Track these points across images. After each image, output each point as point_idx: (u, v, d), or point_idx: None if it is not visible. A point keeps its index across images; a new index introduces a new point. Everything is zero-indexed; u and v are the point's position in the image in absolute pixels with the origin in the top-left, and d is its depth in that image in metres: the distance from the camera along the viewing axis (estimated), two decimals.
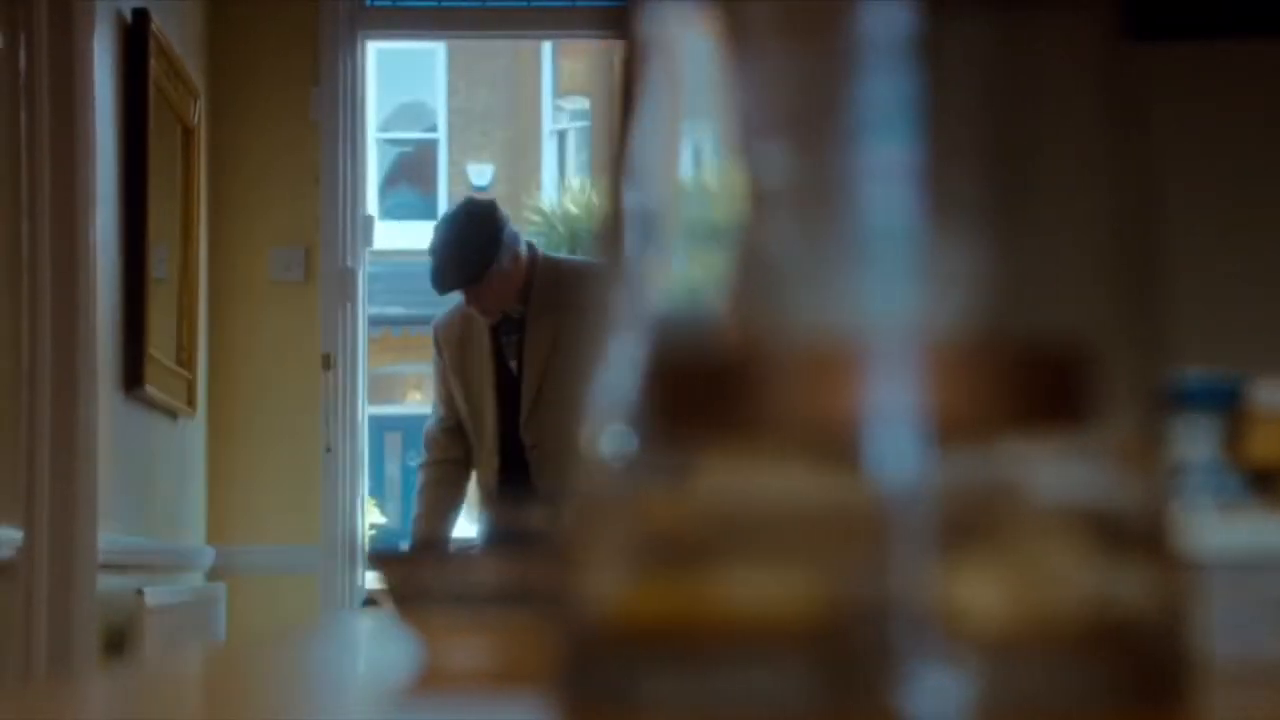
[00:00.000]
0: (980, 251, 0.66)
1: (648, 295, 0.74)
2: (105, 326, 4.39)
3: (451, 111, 20.13)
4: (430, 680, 1.03)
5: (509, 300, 4.75)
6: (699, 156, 0.74)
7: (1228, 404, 1.23)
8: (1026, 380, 0.67)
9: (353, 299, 6.04)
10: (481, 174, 20.04)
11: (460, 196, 20.11)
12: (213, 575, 5.82)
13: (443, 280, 4.76)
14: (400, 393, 19.29)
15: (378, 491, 15.94)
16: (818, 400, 0.68)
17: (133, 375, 4.77)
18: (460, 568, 1.02)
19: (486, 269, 4.66)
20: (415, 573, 1.03)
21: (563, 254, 5.37)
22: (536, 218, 18.29)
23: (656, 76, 0.76)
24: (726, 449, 0.71)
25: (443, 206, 19.95)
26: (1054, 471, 0.69)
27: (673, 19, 0.76)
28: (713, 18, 0.74)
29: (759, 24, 0.71)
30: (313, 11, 5.98)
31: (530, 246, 4.89)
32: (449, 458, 5.02)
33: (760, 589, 0.72)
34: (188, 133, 5.48)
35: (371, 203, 6.42)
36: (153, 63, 4.90)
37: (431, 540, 4.86)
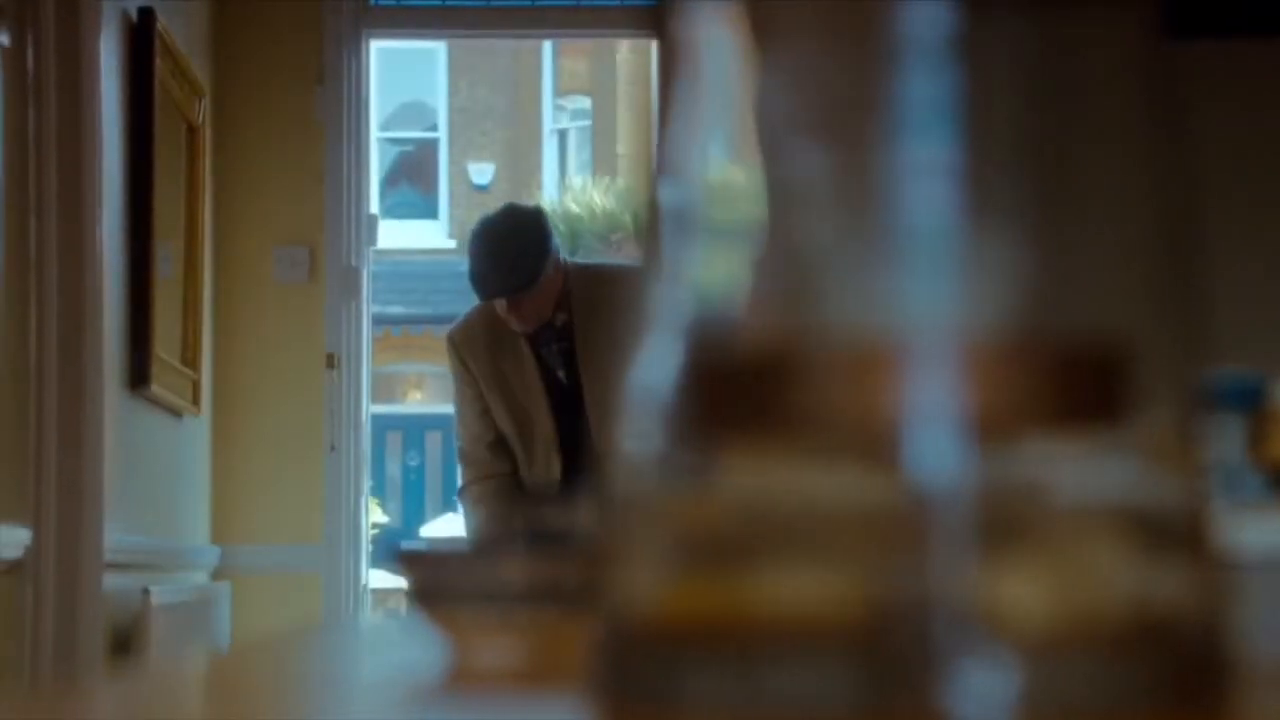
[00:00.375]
0: (1019, 251, 0.66)
1: (684, 295, 0.74)
2: (111, 325, 4.39)
3: (452, 110, 20.13)
4: (458, 679, 1.03)
5: (547, 310, 4.60)
6: (735, 156, 0.75)
7: (1252, 404, 1.24)
8: (1065, 379, 0.67)
9: (357, 298, 6.04)
10: (482, 173, 20.03)
11: (461, 196, 20.10)
12: (217, 574, 5.82)
13: (487, 287, 4.57)
14: (401, 392, 19.30)
15: (379, 491, 15.93)
16: (857, 400, 0.68)
17: (139, 374, 4.78)
18: (489, 567, 1.02)
19: (536, 279, 4.51)
20: (443, 571, 1.03)
21: (587, 259, 5.28)
22: None
23: (693, 77, 0.77)
24: (766, 449, 0.71)
25: (443, 206, 19.96)
26: (1092, 470, 0.69)
27: (709, 19, 0.76)
28: (749, 17, 0.74)
29: (796, 23, 0.71)
30: (317, 10, 5.98)
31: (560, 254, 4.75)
32: (496, 473, 4.80)
33: (801, 589, 0.72)
34: (192, 131, 5.48)
35: (373, 202, 6.42)
36: (158, 62, 4.90)
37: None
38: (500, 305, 4.57)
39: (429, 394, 19.09)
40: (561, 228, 17.77)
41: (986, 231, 0.66)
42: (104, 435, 4.18)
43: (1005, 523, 0.67)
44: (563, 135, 20.27)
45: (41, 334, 3.93)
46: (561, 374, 4.66)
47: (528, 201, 4.98)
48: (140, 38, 4.85)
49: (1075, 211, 0.68)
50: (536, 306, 4.57)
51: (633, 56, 19.39)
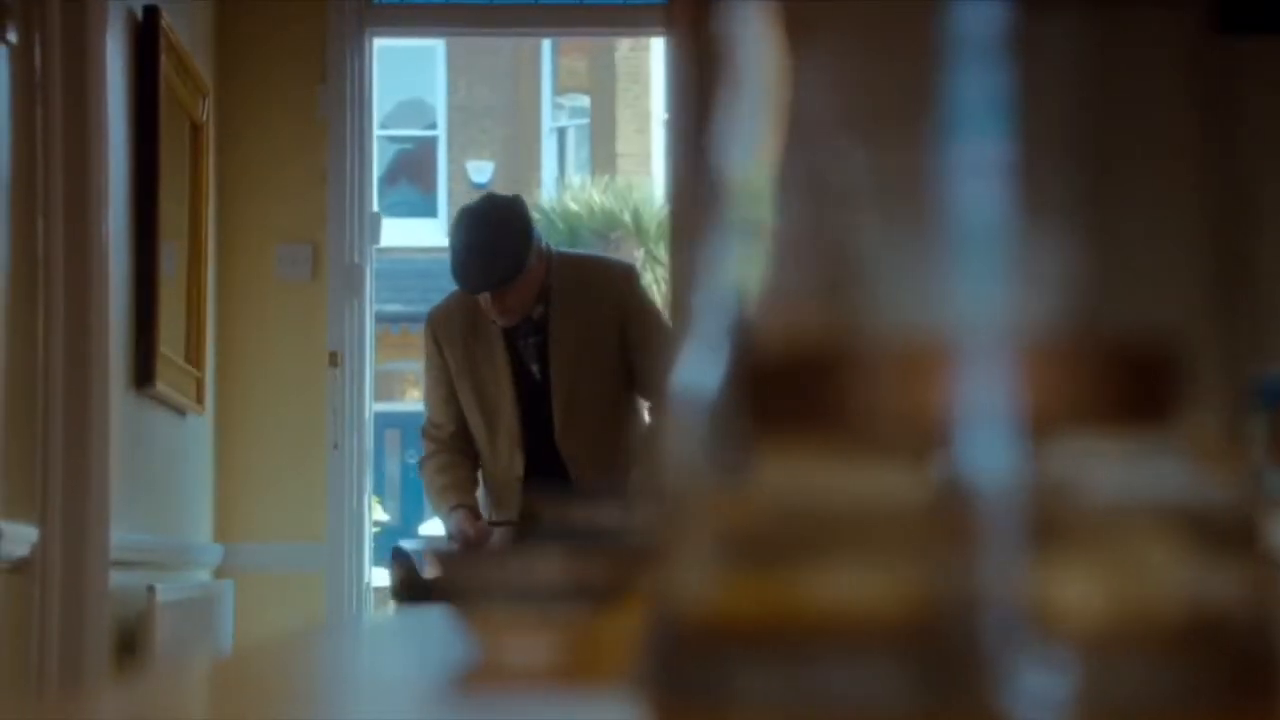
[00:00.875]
0: (1070, 249, 0.66)
1: (723, 295, 0.74)
2: (116, 324, 4.38)
3: (451, 109, 20.13)
4: (488, 676, 1.03)
5: (529, 302, 4.57)
6: (772, 154, 0.75)
7: (1273, 402, 1.24)
8: (1115, 378, 0.67)
9: (359, 296, 6.04)
10: (481, 171, 20.04)
11: (460, 194, 20.11)
12: (219, 572, 5.82)
13: (471, 281, 4.54)
14: (400, 390, 19.29)
15: (379, 489, 15.94)
16: (907, 398, 0.68)
17: (143, 372, 4.78)
18: (521, 564, 1.02)
19: (521, 270, 4.49)
20: (474, 569, 1.03)
21: (573, 249, 5.28)
22: (536, 215, 18.28)
23: (727, 74, 0.77)
24: (815, 448, 0.71)
25: (443, 204, 19.95)
26: (1143, 470, 0.69)
27: (743, 16, 0.76)
28: (788, 13, 0.74)
29: (839, 19, 0.71)
30: (320, 8, 5.98)
31: (545, 243, 4.72)
32: (455, 448, 4.78)
33: (852, 587, 0.72)
34: (196, 129, 5.48)
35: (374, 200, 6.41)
36: (163, 59, 4.90)
37: (477, 527, 4.69)
38: (484, 299, 4.56)
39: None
40: (560, 226, 17.76)
41: (1037, 230, 0.66)
42: (110, 433, 4.18)
43: (1056, 522, 0.67)
44: (561, 133, 20.28)
45: (48, 333, 3.93)
46: (535, 368, 4.64)
47: (506, 192, 4.91)
48: (145, 36, 4.85)
49: (1126, 209, 0.68)
50: (520, 298, 4.55)
51: (632, 55, 19.39)
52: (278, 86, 5.97)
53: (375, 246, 6.20)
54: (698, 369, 0.74)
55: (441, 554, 1.09)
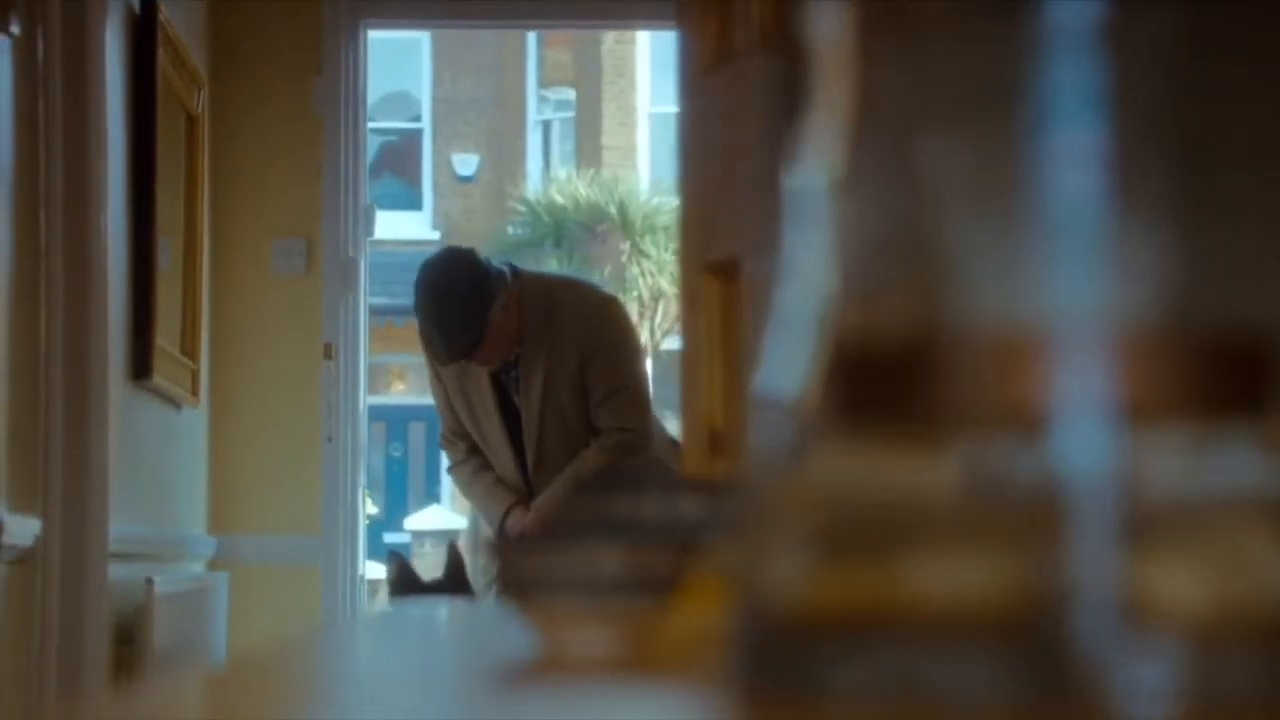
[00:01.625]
0: (1166, 241, 0.67)
1: (811, 288, 0.74)
2: (114, 316, 4.38)
3: (436, 101, 20.11)
4: (548, 670, 1.03)
5: (507, 348, 4.59)
6: (861, 149, 0.75)
7: None
8: (1212, 370, 0.68)
9: (354, 289, 6.04)
10: (466, 164, 20.02)
11: (445, 186, 20.06)
12: (213, 565, 5.82)
13: (437, 355, 4.61)
14: (385, 383, 19.27)
15: (367, 483, 15.91)
16: (1003, 390, 0.69)
17: (141, 365, 4.77)
18: (582, 556, 1.03)
19: (481, 340, 4.49)
20: (532, 560, 1.04)
21: (545, 271, 5.18)
22: (521, 208, 18.28)
23: (819, 70, 0.77)
24: (912, 439, 0.72)
25: (428, 196, 19.92)
26: (1241, 461, 0.69)
27: (825, 13, 0.77)
28: (874, 8, 0.75)
29: (926, 12, 0.72)
30: (314, 0, 5.97)
31: (513, 272, 4.67)
32: (479, 450, 4.86)
33: (948, 579, 0.73)
34: (191, 121, 5.47)
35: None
36: (160, 52, 4.90)
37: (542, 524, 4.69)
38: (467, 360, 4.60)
39: (412, 385, 19.08)
40: (546, 219, 17.75)
41: (1131, 222, 0.67)
42: (109, 426, 4.18)
43: (1156, 514, 0.68)
44: (546, 126, 20.26)
45: (49, 325, 3.93)
46: (518, 400, 4.68)
47: (461, 245, 4.86)
48: (143, 28, 4.84)
49: (1220, 202, 0.68)
50: (494, 350, 4.57)
51: (617, 48, 19.38)
52: (272, 79, 5.96)
53: (370, 239, 6.20)
54: (781, 363, 0.74)
55: (501, 546, 1.09)
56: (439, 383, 4.83)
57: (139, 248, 4.79)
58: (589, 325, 4.58)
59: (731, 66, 2.53)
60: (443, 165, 20.00)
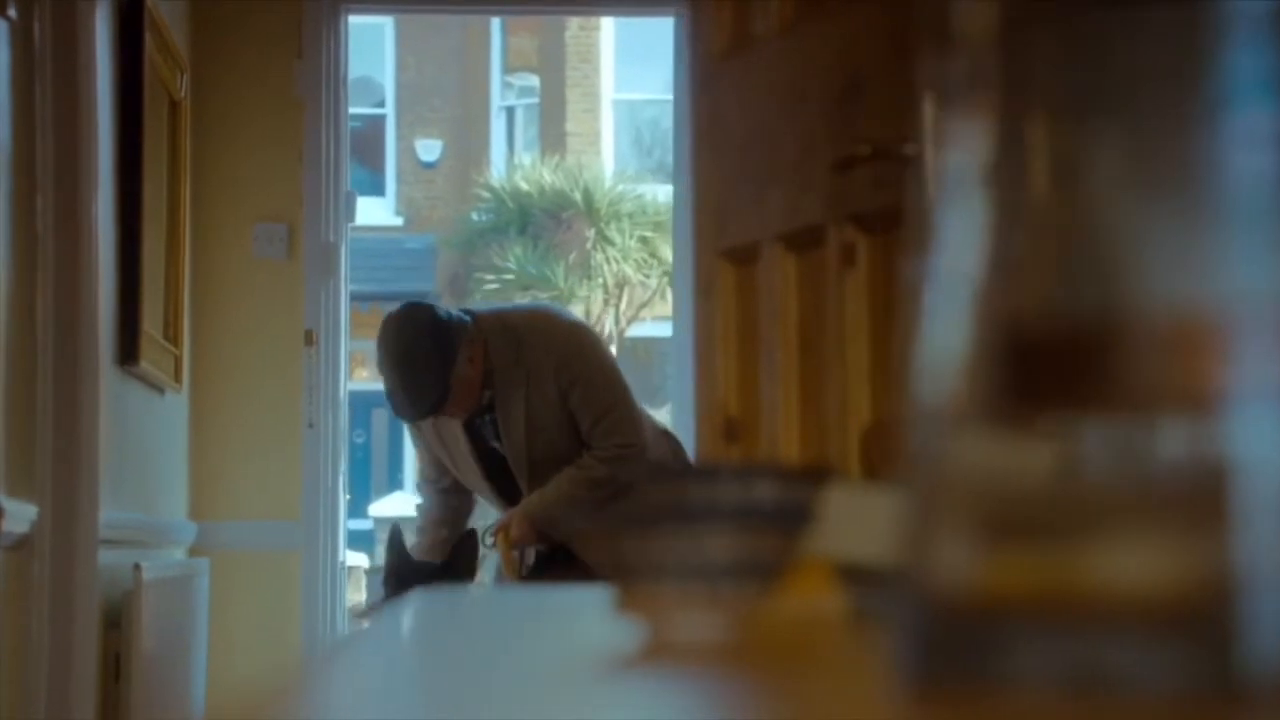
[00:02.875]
0: None
1: (971, 275, 0.75)
2: (103, 301, 4.37)
3: (400, 87, 20.05)
4: (656, 655, 1.04)
5: (476, 397, 4.62)
6: (1020, 136, 0.76)
7: None
8: None
9: (335, 274, 6.03)
10: (430, 150, 19.97)
11: (409, 172, 19.98)
12: (193, 551, 5.81)
13: (403, 414, 4.65)
14: (347, 369, 19.19)
15: None
16: (1179, 374, 0.69)
17: (128, 350, 4.76)
18: (689, 541, 1.03)
19: (448, 390, 4.50)
20: (638, 546, 1.05)
21: (504, 307, 5.17)
22: (486, 194, 18.26)
23: (972, 58, 0.78)
24: (1087, 422, 0.73)
25: (391, 182, 19.87)
26: None
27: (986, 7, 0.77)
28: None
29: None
30: None
31: (473, 318, 4.67)
32: (446, 490, 4.98)
33: (1128, 564, 0.73)
34: (174, 106, 5.45)
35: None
36: (147, 36, 4.88)
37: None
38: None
39: (374, 371, 19.06)
40: (511, 205, 17.72)
41: None
42: (99, 412, 4.17)
43: None
44: (510, 112, 20.23)
45: (43, 311, 3.92)
46: (496, 444, 4.71)
47: (420, 300, 4.86)
48: (130, 12, 4.82)
49: None
50: (463, 403, 4.59)
51: (581, 34, 19.36)
52: (253, 63, 5.94)
53: (351, 225, 6.19)
54: (942, 352, 0.75)
55: (602, 532, 1.10)
56: (418, 432, 4.91)
57: (125, 232, 4.78)
58: (561, 357, 4.60)
59: (749, 53, 2.54)
60: (406, 151, 19.95)
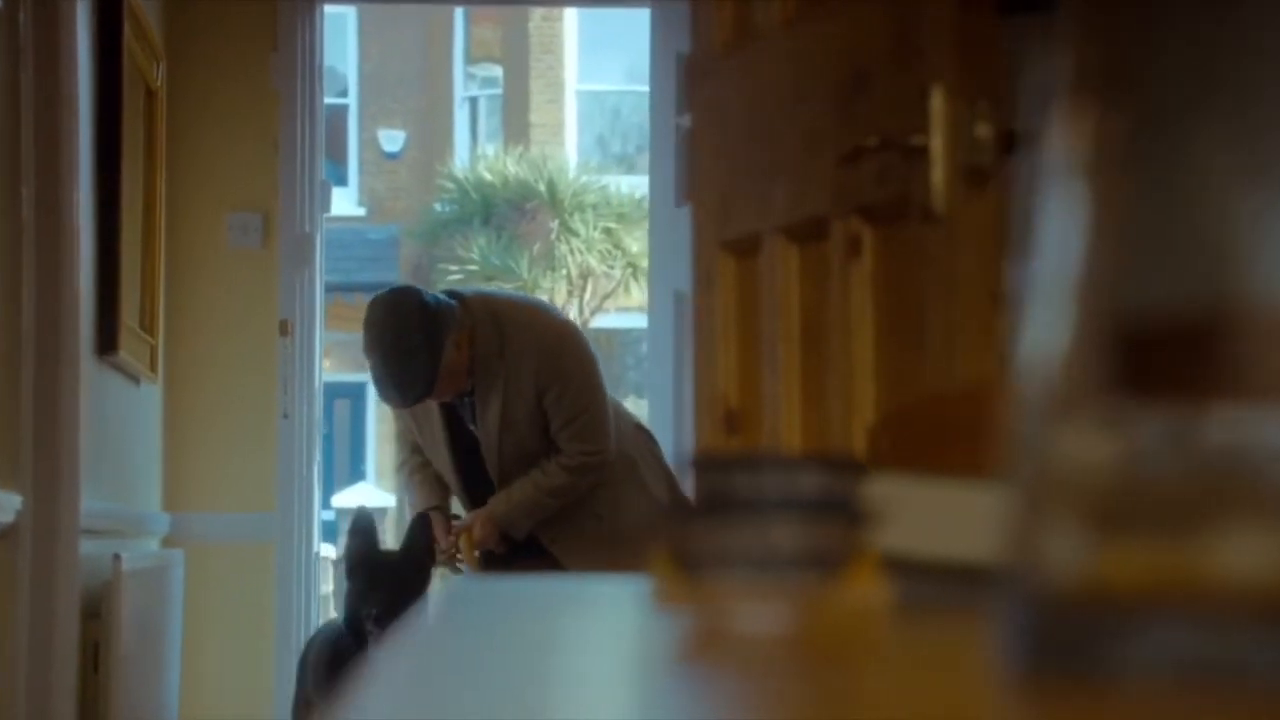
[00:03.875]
0: None
1: (1092, 269, 0.75)
2: (83, 290, 4.35)
3: (363, 77, 20.01)
4: (715, 648, 1.04)
5: (461, 383, 4.61)
6: (1126, 135, 0.76)
7: None
8: None
9: (310, 264, 6.02)
10: (393, 140, 19.93)
11: (371, 163, 19.93)
12: (167, 542, 5.79)
13: (391, 401, 4.66)
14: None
15: None
16: None
17: (107, 340, 4.74)
18: (756, 531, 1.04)
19: (436, 379, 4.49)
20: (705, 537, 1.05)
21: (493, 293, 5.16)
22: (450, 185, 18.23)
23: (1075, 52, 0.78)
24: (1198, 414, 0.73)
25: (353, 172, 19.82)
26: None
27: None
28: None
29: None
30: None
31: (461, 303, 4.65)
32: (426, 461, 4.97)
33: (1241, 555, 0.74)
34: (150, 95, 5.43)
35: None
36: (126, 26, 4.86)
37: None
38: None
39: (337, 362, 18.99)
40: (475, 196, 17.70)
41: None
42: (81, 402, 4.16)
43: None
44: (473, 103, 20.20)
45: (25, 301, 3.90)
46: (473, 428, 4.71)
47: (408, 285, 4.85)
48: (109, 2, 4.80)
49: None
50: (448, 388, 4.59)
51: (545, 24, 19.34)
52: (230, 53, 5.93)
53: (326, 215, 6.18)
54: (1049, 345, 0.75)
55: (670, 521, 1.10)
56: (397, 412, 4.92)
57: (104, 222, 4.76)
58: (543, 357, 4.60)
59: (750, 47, 2.54)
60: (369, 142, 19.90)
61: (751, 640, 1.02)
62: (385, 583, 4.57)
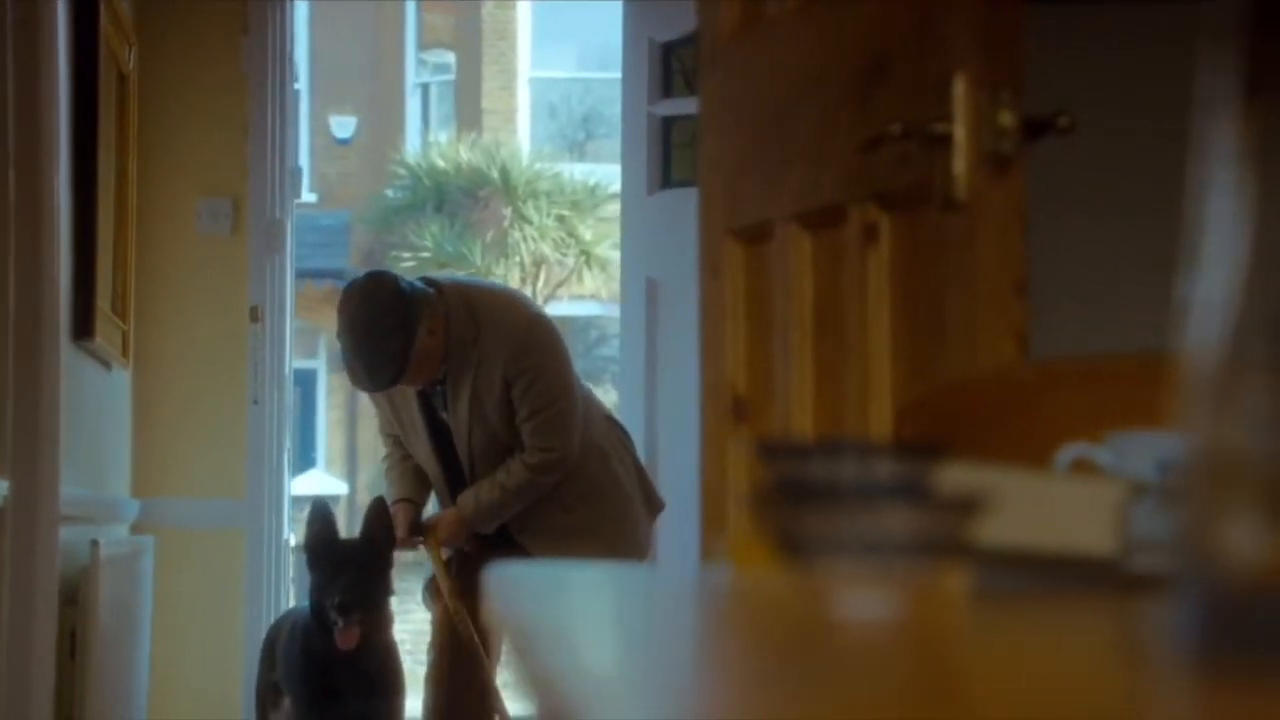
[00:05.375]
0: None
1: (1239, 257, 0.76)
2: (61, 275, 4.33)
3: (314, 62, 19.92)
4: (831, 632, 1.04)
5: (434, 369, 4.62)
6: None
7: None
8: None
9: (280, 251, 6.00)
10: (344, 126, 19.86)
11: (322, 149, 19.82)
12: (135, 528, 5.76)
13: (361, 385, 4.66)
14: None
15: None
16: None
17: (83, 326, 4.72)
18: (869, 518, 1.04)
19: (407, 364, 4.50)
20: (818, 519, 1.05)
21: (468, 282, 5.17)
22: (402, 171, 18.19)
23: (1247, 53, 0.79)
24: None
25: (304, 159, 19.74)
26: None
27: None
28: None
29: None
30: None
31: (437, 289, 4.66)
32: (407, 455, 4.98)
33: None
34: (123, 80, 5.40)
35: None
36: (101, 9, 4.83)
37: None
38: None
39: (302, 350, 18.95)
40: (428, 183, 17.65)
41: None
42: (61, 387, 4.14)
43: None
44: (425, 89, 20.15)
45: (7, 286, 3.88)
46: (445, 415, 4.71)
47: (384, 270, 4.85)
48: None
49: None
50: (421, 375, 4.60)
51: (498, 11, 19.30)
52: (200, 37, 5.90)
53: (296, 201, 6.16)
54: (1215, 336, 0.76)
55: (770, 506, 1.10)
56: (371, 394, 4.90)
57: (80, 206, 4.73)
58: (514, 349, 4.60)
59: (761, 32, 2.54)
60: (320, 128, 19.83)
61: (864, 628, 1.02)
62: (347, 570, 4.58)
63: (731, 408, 2.56)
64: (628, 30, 5.99)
